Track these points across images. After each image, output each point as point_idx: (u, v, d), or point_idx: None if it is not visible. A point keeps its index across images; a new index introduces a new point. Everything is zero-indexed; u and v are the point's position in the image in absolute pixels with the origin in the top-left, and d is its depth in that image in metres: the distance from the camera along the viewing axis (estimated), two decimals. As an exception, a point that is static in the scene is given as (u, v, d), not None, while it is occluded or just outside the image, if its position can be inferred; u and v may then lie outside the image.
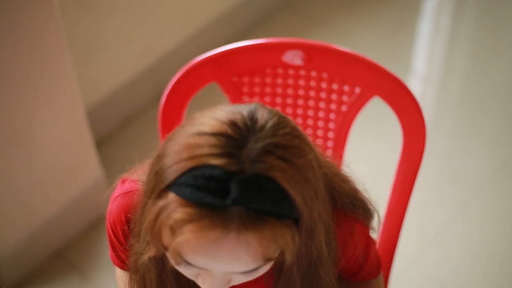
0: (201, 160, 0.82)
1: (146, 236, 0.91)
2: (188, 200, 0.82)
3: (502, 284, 2.13)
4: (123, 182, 1.09)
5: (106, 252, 2.24)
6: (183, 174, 0.83)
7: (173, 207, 0.83)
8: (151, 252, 0.91)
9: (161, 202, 0.85)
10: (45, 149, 2.00)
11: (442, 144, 2.47)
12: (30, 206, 2.09)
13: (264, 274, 1.04)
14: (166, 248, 0.87)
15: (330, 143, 1.43)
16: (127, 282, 1.11)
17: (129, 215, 1.03)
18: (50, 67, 1.85)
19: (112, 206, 1.09)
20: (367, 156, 2.39)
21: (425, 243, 2.23)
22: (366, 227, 1.11)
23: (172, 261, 0.89)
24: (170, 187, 0.84)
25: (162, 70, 2.57)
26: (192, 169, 0.83)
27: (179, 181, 0.83)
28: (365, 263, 1.16)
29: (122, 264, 1.15)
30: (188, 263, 0.87)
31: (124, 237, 1.08)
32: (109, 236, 1.13)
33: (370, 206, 1.10)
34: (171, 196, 0.84)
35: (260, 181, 0.82)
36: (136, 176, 1.04)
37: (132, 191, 1.04)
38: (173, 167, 0.84)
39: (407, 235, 2.03)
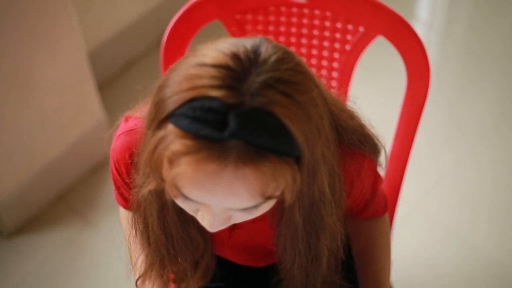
0: (200, 91, 0.81)
1: (145, 169, 0.90)
2: (186, 132, 0.81)
3: (504, 228, 2.13)
4: (126, 120, 1.08)
5: (109, 196, 2.24)
6: (182, 105, 0.82)
7: (171, 138, 0.82)
8: (151, 186, 0.90)
9: (160, 133, 0.84)
10: (46, 91, 1.99)
11: (446, 91, 2.45)
12: (31, 149, 2.09)
13: (269, 214, 1.04)
14: (164, 181, 0.86)
15: (334, 83, 1.41)
16: (130, 220, 1.11)
17: (133, 153, 1.02)
18: (49, 6, 1.83)
19: (116, 144, 1.08)
20: (371, 97, 2.38)
21: (429, 189, 2.23)
22: (374, 162, 1.09)
23: (170, 194, 0.88)
24: (169, 117, 0.83)
25: (164, 12, 2.54)
26: (191, 100, 0.81)
27: (178, 112, 0.82)
28: (372, 200, 1.15)
29: (126, 204, 1.15)
30: (186, 197, 0.86)
31: (128, 175, 1.07)
32: (113, 175, 1.12)
33: (377, 142, 1.07)
34: (170, 127, 0.82)
35: (259, 115, 0.80)
36: (140, 114, 1.03)
37: (136, 128, 1.03)
38: (173, 98, 0.83)
39: (411, 181, 2.03)
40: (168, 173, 0.84)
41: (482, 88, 2.45)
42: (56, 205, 2.23)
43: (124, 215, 1.23)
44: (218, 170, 0.81)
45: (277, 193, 0.86)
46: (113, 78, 2.49)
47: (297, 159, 0.85)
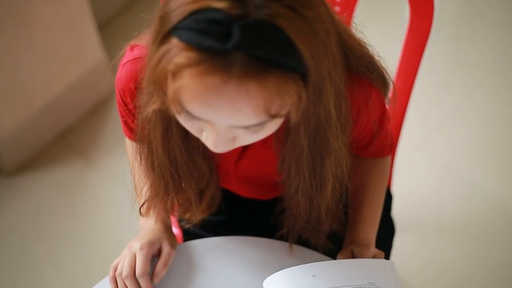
0: (204, 3, 0.80)
1: (149, 87, 0.90)
2: (189, 44, 0.80)
3: (506, 167, 2.14)
4: (132, 48, 1.06)
5: (109, 135, 2.24)
6: (186, 17, 0.81)
7: (175, 51, 0.81)
8: (155, 105, 0.89)
9: (164, 47, 0.83)
10: (45, 29, 1.96)
11: (448, 29, 2.42)
12: (31, 87, 2.07)
13: (274, 137, 1.03)
14: (167, 97, 0.85)
15: (337, 8, 1.37)
16: (135, 149, 1.11)
17: (138, 81, 1.00)
18: None
19: (121, 73, 1.07)
20: (374, 31, 2.35)
21: (430, 129, 2.23)
22: (382, 94, 1.08)
23: (174, 112, 0.88)
24: (173, 31, 0.82)
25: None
26: (195, 12, 0.80)
27: (181, 25, 0.81)
28: (378, 135, 1.14)
29: (132, 134, 1.14)
30: (189, 114, 0.86)
31: (134, 105, 1.06)
32: (119, 105, 1.11)
33: (386, 75, 1.06)
34: (174, 41, 0.81)
35: (264, 27, 0.79)
36: (145, 42, 1.01)
37: (141, 57, 1.01)
38: (177, 11, 0.82)
39: (412, 121, 2.03)
40: (171, 87, 0.83)
41: (483, 27, 2.43)
42: (56, 144, 2.23)
43: (130, 146, 1.23)
44: (221, 83, 0.80)
45: (283, 111, 0.86)
46: (113, 19, 2.46)
47: (303, 77, 0.84)
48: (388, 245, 1.41)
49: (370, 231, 1.20)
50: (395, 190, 1.46)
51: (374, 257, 1.15)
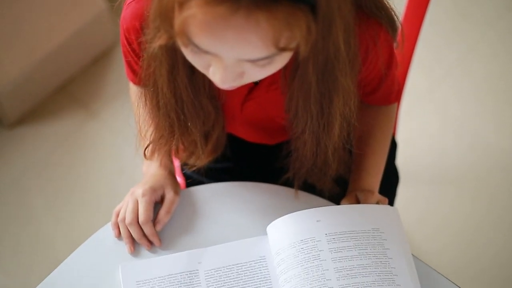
0: None
1: (155, 21, 0.88)
2: None
3: (510, 116, 2.13)
4: None
5: (111, 86, 2.22)
6: None
7: None
8: (161, 40, 0.88)
9: None
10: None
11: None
12: (32, 38, 2.05)
13: (282, 74, 1.02)
14: (174, 29, 0.83)
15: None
16: (139, 92, 1.10)
17: (144, 20, 0.98)
18: None
19: (126, 12, 1.04)
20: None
21: (435, 80, 2.21)
22: (391, 37, 1.06)
23: (180, 44, 0.86)
24: None
25: None
26: None
27: None
28: (385, 79, 1.12)
29: (136, 78, 1.12)
30: (196, 47, 0.84)
31: (139, 46, 1.04)
32: (123, 46, 1.09)
33: (394, 16, 1.04)
34: None
35: None
36: None
37: None
38: None
39: (418, 73, 2.01)
40: (178, 19, 0.81)
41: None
42: (57, 95, 2.21)
43: (133, 90, 1.21)
44: (229, 13, 0.78)
45: (291, 44, 0.84)
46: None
47: (312, 9, 0.83)
48: (392, 193, 1.41)
49: (375, 178, 1.19)
50: (399, 140, 1.44)
51: (378, 203, 1.14)
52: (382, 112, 1.24)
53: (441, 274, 1.09)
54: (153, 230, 1.12)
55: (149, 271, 1.09)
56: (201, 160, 1.16)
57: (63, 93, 2.22)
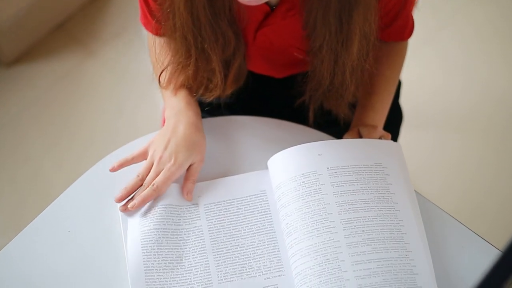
0: None
1: None
2: None
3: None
4: None
5: (110, 25, 2.19)
6: None
7: None
8: None
9: None
10: None
11: None
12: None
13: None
14: None
15: None
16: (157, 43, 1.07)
17: None
18: None
19: None
20: None
21: (440, 23, 2.19)
22: None
23: None
24: None
25: None
26: None
27: None
28: (402, 11, 1.09)
29: (153, 27, 1.10)
30: None
31: None
32: None
33: None
34: None
35: None
36: None
37: None
38: None
39: (421, 17, 1.98)
40: None
41: None
42: (55, 34, 2.18)
43: (151, 42, 1.17)
44: None
45: None
46: None
47: None
48: (395, 132, 1.39)
49: (379, 115, 1.17)
50: (403, 81, 1.42)
51: (381, 138, 1.12)
52: (394, 49, 1.21)
53: (443, 210, 1.08)
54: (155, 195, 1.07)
55: (148, 203, 1.08)
56: (223, 91, 1.12)
57: (61, 31, 2.19)
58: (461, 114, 2.05)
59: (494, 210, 1.89)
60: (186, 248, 1.04)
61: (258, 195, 1.08)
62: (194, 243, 1.04)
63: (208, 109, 1.24)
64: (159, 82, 1.13)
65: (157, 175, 1.06)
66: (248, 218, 1.07)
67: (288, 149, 1.08)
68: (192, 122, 1.11)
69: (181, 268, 1.02)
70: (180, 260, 1.03)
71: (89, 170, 1.13)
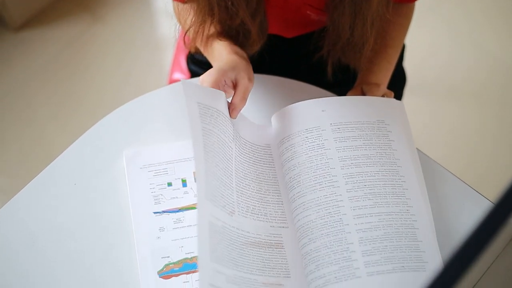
0: None
1: None
2: None
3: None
4: None
5: (117, -8, 2.19)
6: None
7: None
8: None
9: None
10: None
11: None
12: None
13: None
14: None
15: None
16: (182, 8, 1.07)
17: None
18: None
19: None
20: None
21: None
22: None
23: None
24: None
25: None
26: None
27: None
28: None
29: None
30: None
31: None
32: None
33: None
34: None
35: None
36: None
37: None
38: None
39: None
40: None
41: None
42: (64, -1, 2.20)
43: (177, 10, 1.17)
44: None
45: None
46: None
47: None
48: (398, 94, 1.40)
49: (383, 74, 1.17)
50: (407, 44, 1.43)
51: (384, 96, 1.13)
52: (401, 12, 1.22)
53: (444, 167, 1.09)
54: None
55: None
56: (250, 48, 1.12)
57: (69, -3, 2.20)
58: (463, 82, 2.05)
59: (495, 173, 1.90)
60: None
61: (263, 147, 1.09)
62: (227, 163, 1.03)
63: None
64: (184, 43, 1.13)
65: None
66: (255, 165, 1.07)
67: (292, 105, 1.09)
68: (234, 51, 1.10)
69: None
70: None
71: (94, 126, 1.14)
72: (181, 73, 1.44)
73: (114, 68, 2.09)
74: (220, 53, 1.11)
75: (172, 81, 1.45)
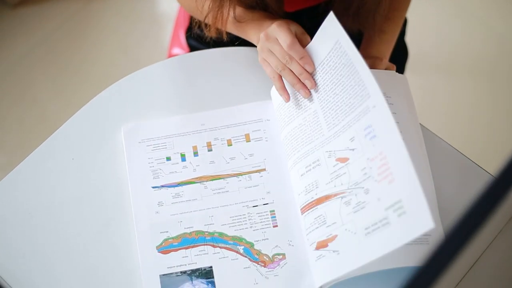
0: None
1: None
2: None
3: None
4: None
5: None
6: None
7: None
8: None
9: None
10: None
11: None
12: None
13: None
14: None
15: None
16: None
17: None
18: None
19: None
20: None
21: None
22: None
23: None
24: None
25: None
26: None
27: None
28: None
29: None
30: None
31: None
32: None
33: None
34: None
35: None
36: None
37: None
38: None
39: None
40: None
41: None
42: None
43: None
44: None
45: None
46: None
47: None
48: (400, 69, 1.38)
49: (385, 46, 1.16)
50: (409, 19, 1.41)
51: (386, 69, 1.11)
52: None
53: (445, 141, 1.08)
54: (306, 54, 1.02)
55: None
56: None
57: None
58: (465, 58, 2.03)
59: (496, 147, 1.89)
60: None
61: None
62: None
63: (214, 46, 1.23)
64: (205, 27, 1.12)
65: (279, 48, 1.03)
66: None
67: None
68: (270, 16, 1.10)
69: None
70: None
71: (92, 100, 1.13)
72: (180, 48, 1.43)
73: (113, 43, 2.08)
74: (259, 17, 1.10)
75: (171, 56, 1.44)
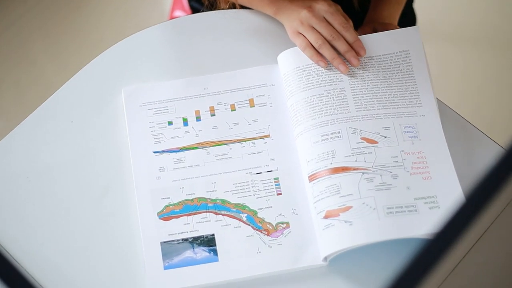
0: None
1: None
2: None
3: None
4: None
5: None
6: None
7: None
8: None
9: None
10: None
11: None
12: None
13: None
14: None
15: None
16: None
17: None
18: None
19: None
20: None
21: None
22: None
23: None
24: None
25: None
26: None
27: None
28: None
29: None
30: None
31: None
32: None
33: None
34: None
35: None
36: None
37: None
38: None
39: None
40: None
41: None
42: None
43: None
44: None
45: None
46: None
47: None
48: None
49: (394, 9, 1.13)
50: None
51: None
52: None
53: (455, 111, 1.05)
54: (359, 39, 1.02)
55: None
56: None
57: None
58: (475, 26, 2.01)
59: (506, 119, 1.88)
60: None
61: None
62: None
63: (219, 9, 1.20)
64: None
65: (326, 25, 1.02)
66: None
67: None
68: None
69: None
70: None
71: (92, 61, 1.10)
72: (182, 10, 1.40)
73: (114, 4, 2.04)
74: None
75: (172, 18, 1.41)
